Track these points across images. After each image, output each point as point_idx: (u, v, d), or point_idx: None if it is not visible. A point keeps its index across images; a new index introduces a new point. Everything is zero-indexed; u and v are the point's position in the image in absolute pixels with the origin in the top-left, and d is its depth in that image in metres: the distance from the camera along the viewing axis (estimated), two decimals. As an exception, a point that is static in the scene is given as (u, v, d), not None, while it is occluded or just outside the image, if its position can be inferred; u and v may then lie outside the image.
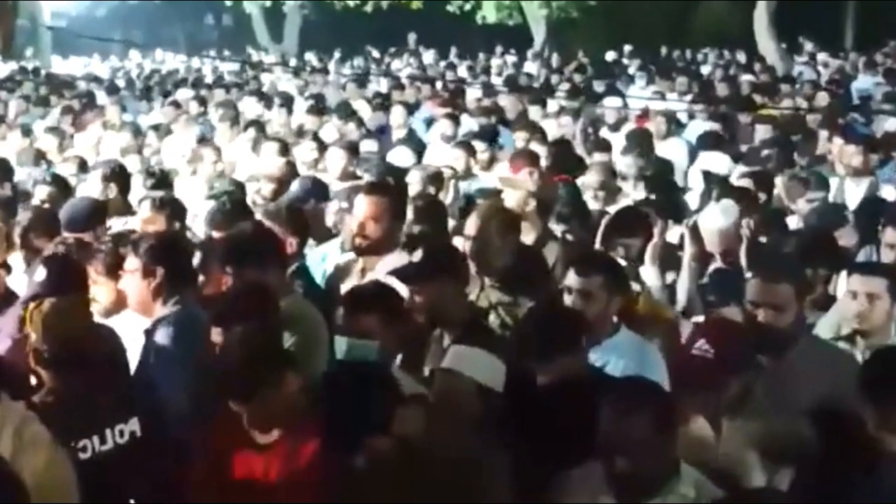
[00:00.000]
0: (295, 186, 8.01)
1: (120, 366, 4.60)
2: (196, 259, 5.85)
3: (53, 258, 5.48)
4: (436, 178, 8.57)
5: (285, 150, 9.96)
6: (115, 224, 7.00)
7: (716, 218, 6.70)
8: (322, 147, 10.04)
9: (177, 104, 15.42)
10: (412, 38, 32.27)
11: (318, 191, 7.89)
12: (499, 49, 28.42)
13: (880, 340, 5.02)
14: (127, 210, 7.59)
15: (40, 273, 5.27)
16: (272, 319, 4.83)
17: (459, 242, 6.45)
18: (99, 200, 7.33)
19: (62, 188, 8.02)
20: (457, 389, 4.47)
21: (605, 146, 10.58)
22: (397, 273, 5.32)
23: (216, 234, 6.41)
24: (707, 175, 9.49)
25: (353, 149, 9.82)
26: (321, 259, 6.56)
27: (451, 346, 4.65)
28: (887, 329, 5.10)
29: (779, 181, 8.46)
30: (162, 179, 8.82)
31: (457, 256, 5.72)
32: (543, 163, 9.14)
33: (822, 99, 14.60)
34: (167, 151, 11.44)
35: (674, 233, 6.91)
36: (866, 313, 5.08)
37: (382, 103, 15.29)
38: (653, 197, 7.88)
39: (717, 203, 7.02)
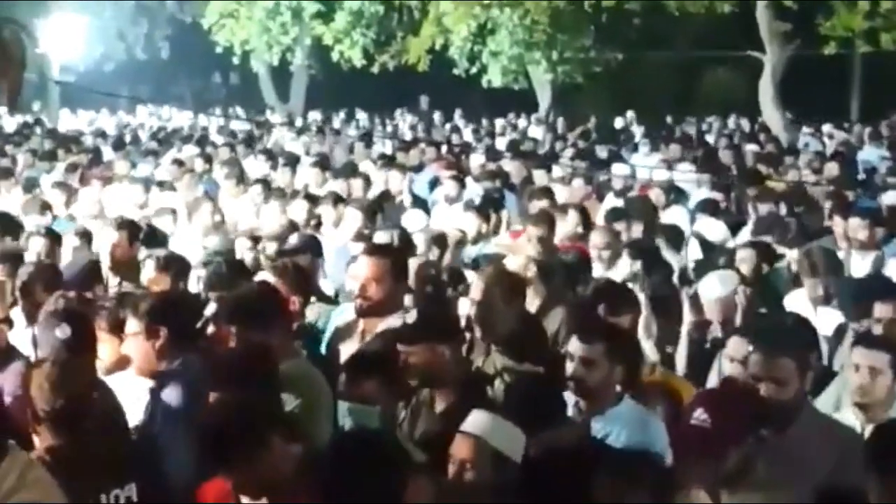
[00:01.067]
0: (292, 242, 8.15)
1: (119, 428, 4.58)
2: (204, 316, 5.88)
3: (74, 315, 5.40)
4: (440, 241, 8.60)
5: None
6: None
7: (714, 287, 6.73)
8: (315, 204, 10.17)
9: (180, 162, 15.48)
10: (424, 100, 32.49)
11: (314, 247, 8.02)
12: (510, 115, 28.57)
13: (881, 415, 5.03)
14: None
15: (63, 330, 5.19)
16: (269, 383, 4.75)
17: (463, 305, 6.50)
18: (95, 260, 7.45)
19: (55, 241, 8.04)
20: (476, 456, 4.44)
21: (621, 216, 10.55)
22: (392, 333, 5.38)
23: (210, 295, 6.38)
24: (703, 243, 9.53)
25: (368, 208, 9.93)
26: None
27: (475, 411, 4.61)
28: (889, 403, 5.10)
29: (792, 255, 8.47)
30: (151, 235, 8.86)
31: (451, 320, 5.83)
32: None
33: (830, 170, 14.59)
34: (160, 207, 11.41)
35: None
36: (868, 387, 5.08)
37: (387, 164, 15.35)
38: (636, 266, 7.77)
39: (716, 272, 7.06)
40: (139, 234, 8.13)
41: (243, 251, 8.38)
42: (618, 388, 5.27)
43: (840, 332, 6.87)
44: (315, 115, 29.93)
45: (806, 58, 24.49)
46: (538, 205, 10.78)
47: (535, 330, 6.16)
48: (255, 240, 8.63)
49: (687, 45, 31.89)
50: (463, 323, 6.34)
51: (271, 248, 8.51)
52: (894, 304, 5.86)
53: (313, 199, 10.74)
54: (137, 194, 12.03)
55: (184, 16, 35.04)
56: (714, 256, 8.98)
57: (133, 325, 5.24)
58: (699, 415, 4.35)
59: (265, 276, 6.41)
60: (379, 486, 3.92)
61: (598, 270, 8.34)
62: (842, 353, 6.51)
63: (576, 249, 9.01)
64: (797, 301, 7.65)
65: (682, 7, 25.08)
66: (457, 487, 4.41)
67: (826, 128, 23.66)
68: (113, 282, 7.37)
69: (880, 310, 5.87)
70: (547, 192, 11.56)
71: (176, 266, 6.95)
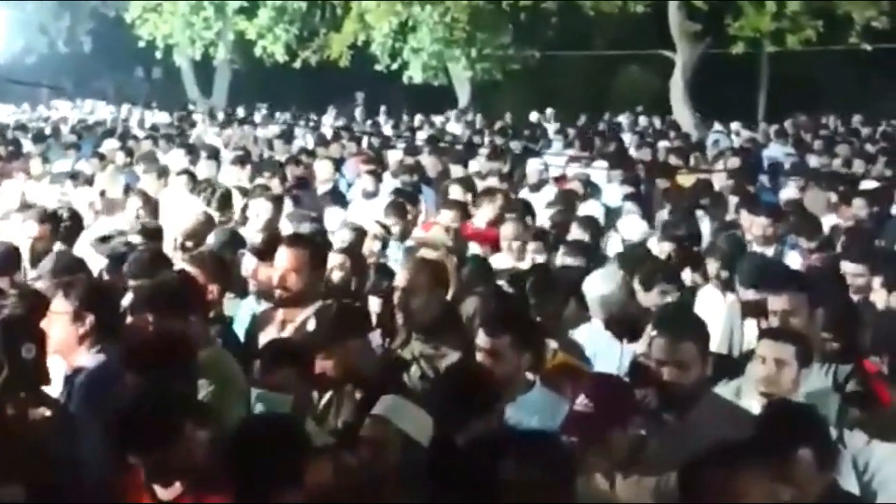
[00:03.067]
0: (212, 238, 8.11)
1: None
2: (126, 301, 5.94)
3: None
4: (361, 236, 8.76)
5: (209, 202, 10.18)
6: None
7: (596, 285, 6.74)
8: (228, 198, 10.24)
9: (101, 155, 15.48)
10: (360, 96, 32.53)
11: (235, 241, 8.03)
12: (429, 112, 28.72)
13: None
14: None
15: None
16: (185, 369, 4.74)
17: (375, 302, 6.67)
18: (15, 246, 7.30)
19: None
20: (384, 437, 4.52)
21: (527, 209, 10.82)
22: (307, 341, 5.47)
23: (133, 283, 6.37)
24: (623, 240, 9.79)
25: (276, 201, 10.04)
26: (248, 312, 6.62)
27: (385, 396, 4.70)
28: (793, 393, 5.16)
29: None
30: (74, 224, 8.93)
31: (361, 315, 5.94)
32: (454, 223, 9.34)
33: (733, 163, 14.86)
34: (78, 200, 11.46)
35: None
36: (774, 378, 5.15)
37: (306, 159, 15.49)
38: (570, 260, 7.96)
39: (599, 270, 7.11)
40: (60, 227, 8.07)
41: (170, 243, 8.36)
42: (528, 375, 5.38)
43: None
44: (237, 111, 29.87)
45: (715, 57, 24.93)
46: (455, 193, 10.97)
47: (453, 317, 6.19)
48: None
49: (602, 45, 32.16)
50: (374, 319, 6.50)
51: (189, 241, 8.63)
52: (787, 296, 5.88)
53: (244, 193, 10.81)
54: (56, 189, 12.08)
55: (107, 10, 34.63)
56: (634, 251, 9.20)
57: (61, 304, 5.15)
58: (582, 400, 4.48)
59: (183, 265, 6.39)
60: (277, 464, 3.97)
61: (507, 261, 8.47)
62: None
63: (486, 237, 9.31)
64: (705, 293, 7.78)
65: (598, 7, 25.43)
66: (364, 468, 4.48)
67: (734, 125, 24.07)
68: (31, 275, 7.20)
69: (774, 302, 5.90)
70: (465, 182, 11.75)
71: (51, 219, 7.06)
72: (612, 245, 9.96)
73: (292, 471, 4.00)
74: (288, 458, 4.01)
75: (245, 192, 11.04)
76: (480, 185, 12.44)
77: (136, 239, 8.22)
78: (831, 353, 5.78)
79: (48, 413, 4.61)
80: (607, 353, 6.37)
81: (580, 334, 6.76)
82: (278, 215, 9.52)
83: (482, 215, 9.87)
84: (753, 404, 5.20)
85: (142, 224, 8.92)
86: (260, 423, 4.42)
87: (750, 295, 6.86)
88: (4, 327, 4.76)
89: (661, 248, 8.60)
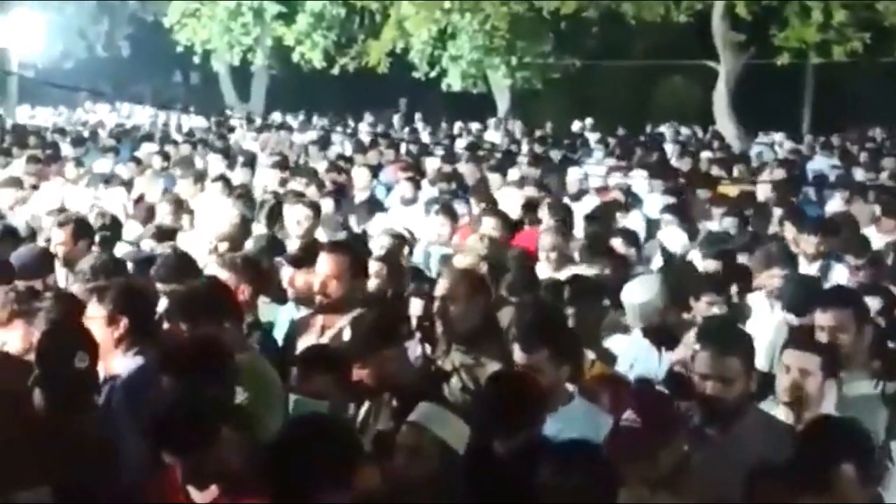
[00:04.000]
0: (251, 243, 8.07)
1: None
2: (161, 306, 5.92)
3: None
4: (401, 243, 8.65)
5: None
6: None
7: (635, 293, 6.69)
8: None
9: (138, 160, 15.49)
10: (403, 102, 32.53)
11: (274, 247, 7.99)
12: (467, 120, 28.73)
13: (810, 414, 4.99)
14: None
15: None
16: (222, 372, 4.74)
17: (417, 304, 6.52)
18: (48, 249, 7.37)
19: (13, 239, 8.03)
20: (420, 444, 4.50)
21: (566, 211, 10.73)
22: (343, 348, 5.42)
23: (161, 288, 6.36)
24: (664, 251, 9.65)
25: (315, 208, 9.95)
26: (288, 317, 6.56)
27: (421, 403, 4.67)
28: (818, 403, 5.11)
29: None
30: (113, 228, 8.89)
31: (398, 323, 5.85)
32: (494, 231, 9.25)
33: (777, 175, 14.75)
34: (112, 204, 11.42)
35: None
36: (797, 388, 5.09)
37: (344, 165, 15.46)
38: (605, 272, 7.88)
39: (639, 278, 7.06)
40: (86, 230, 7.98)
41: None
42: (569, 386, 5.33)
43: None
44: (274, 116, 29.95)
45: (759, 68, 24.79)
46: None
47: (493, 327, 6.14)
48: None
49: (643, 54, 32.07)
50: (414, 322, 6.43)
51: (223, 246, 8.55)
52: (833, 312, 5.71)
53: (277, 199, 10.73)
54: (91, 193, 12.07)
55: (145, 14, 34.91)
56: (675, 264, 9.08)
57: (95, 308, 5.20)
58: (629, 415, 4.40)
59: (214, 270, 6.33)
60: (330, 466, 3.91)
61: (545, 271, 8.32)
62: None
63: (522, 246, 9.17)
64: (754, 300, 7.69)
65: (639, 16, 25.24)
66: (401, 476, 4.46)
67: (778, 137, 23.88)
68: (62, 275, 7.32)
69: (821, 318, 5.75)
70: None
71: (75, 224, 7.05)
72: (653, 255, 9.88)
73: (343, 472, 3.94)
74: (340, 457, 3.95)
75: (277, 198, 10.94)
76: (516, 195, 12.35)
77: (151, 243, 8.21)
78: (881, 369, 5.67)
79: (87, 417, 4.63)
80: (646, 363, 6.31)
81: (618, 344, 6.71)
82: (317, 222, 9.43)
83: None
84: (780, 414, 5.14)
85: (156, 226, 8.85)
86: (310, 420, 4.35)
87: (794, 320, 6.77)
88: (54, 336, 4.80)
89: (705, 266, 8.42)
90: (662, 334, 6.40)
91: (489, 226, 9.28)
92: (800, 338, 5.39)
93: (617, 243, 9.19)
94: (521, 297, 7.26)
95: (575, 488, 3.87)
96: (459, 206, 10.94)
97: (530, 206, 10.83)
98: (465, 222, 10.22)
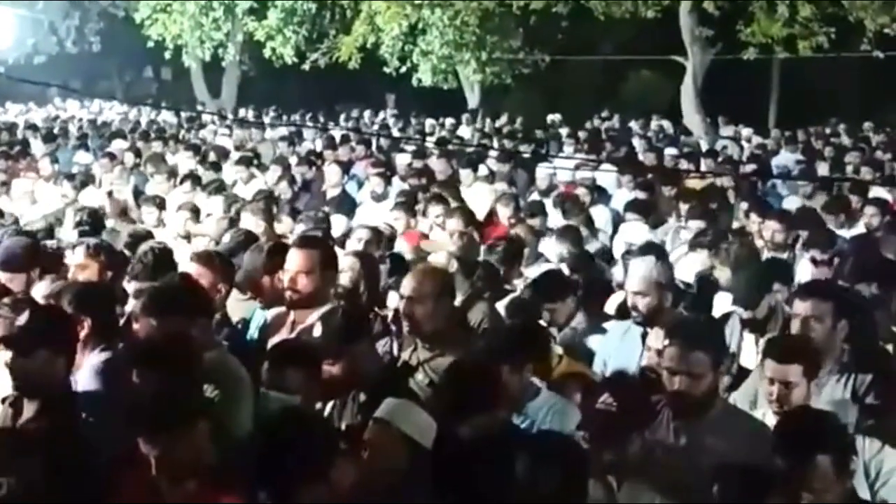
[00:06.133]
0: (227, 238, 8.11)
1: None
2: (129, 306, 5.93)
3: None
4: (377, 237, 8.71)
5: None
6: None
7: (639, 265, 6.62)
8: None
9: (112, 155, 15.50)
10: (391, 98, 32.42)
11: (249, 242, 7.87)
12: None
13: None
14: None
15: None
16: (193, 367, 4.76)
17: (395, 298, 6.61)
18: (36, 242, 7.24)
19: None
20: (386, 440, 4.57)
21: (540, 209, 10.85)
22: (316, 345, 5.45)
23: (135, 286, 6.32)
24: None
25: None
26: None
27: (388, 399, 4.72)
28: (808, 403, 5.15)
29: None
30: (94, 224, 8.90)
31: (367, 318, 5.95)
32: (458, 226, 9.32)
33: (742, 170, 14.92)
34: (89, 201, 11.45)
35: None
36: (784, 398, 5.13)
37: (314, 161, 15.53)
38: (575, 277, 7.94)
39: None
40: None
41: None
42: (534, 380, 5.43)
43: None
44: (244, 111, 29.91)
45: (726, 63, 24.84)
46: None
47: (460, 325, 6.19)
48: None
49: (612, 49, 32.16)
50: (391, 315, 6.55)
51: (202, 242, 8.62)
52: (812, 302, 5.78)
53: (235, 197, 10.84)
54: (66, 189, 12.10)
55: (116, 10, 34.62)
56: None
57: None
58: (605, 398, 4.61)
59: (188, 266, 6.33)
60: (308, 459, 3.98)
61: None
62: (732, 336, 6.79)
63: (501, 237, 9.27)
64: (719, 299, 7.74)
65: (608, 12, 25.32)
66: (368, 471, 4.50)
67: (745, 132, 24.00)
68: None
69: (799, 306, 5.81)
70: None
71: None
72: (618, 250, 9.98)
73: (321, 465, 4.01)
74: (318, 452, 4.02)
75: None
76: (486, 190, 12.46)
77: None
78: (850, 363, 5.71)
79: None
80: (623, 358, 6.32)
81: (594, 340, 6.76)
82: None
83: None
84: (768, 413, 5.21)
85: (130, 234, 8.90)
86: (289, 413, 4.43)
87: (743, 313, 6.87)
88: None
89: (690, 259, 8.51)
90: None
91: (454, 225, 9.36)
92: (778, 349, 5.34)
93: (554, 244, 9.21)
94: (493, 293, 7.37)
95: (545, 479, 3.94)
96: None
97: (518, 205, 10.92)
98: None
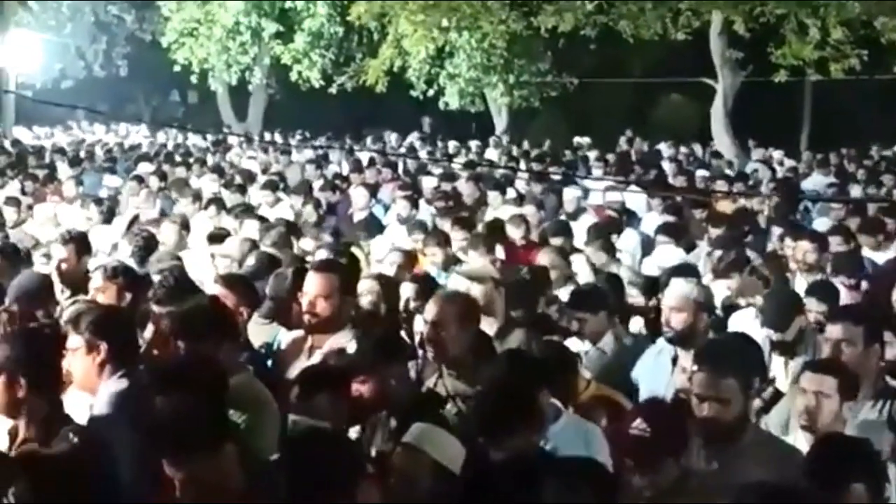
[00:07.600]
0: (251, 261, 8.05)
1: None
2: (148, 331, 5.86)
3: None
4: (410, 260, 8.64)
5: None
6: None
7: (679, 284, 6.51)
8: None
9: (139, 178, 15.49)
10: (426, 122, 32.44)
11: (273, 266, 7.82)
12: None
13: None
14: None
15: None
16: (219, 390, 4.73)
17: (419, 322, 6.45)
18: (49, 276, 7.24)
19: (12, 258, 8.02)
20: (415, 466, 4.50)
21: (565, 230, 10.70)
22: (345, 366, 5.38)
23: (158, 310, 6.20)
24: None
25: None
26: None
27: (416, 424, 4.66)
28: (836, 426, 5.12)
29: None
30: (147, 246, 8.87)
31: (396, 341, 5.85)
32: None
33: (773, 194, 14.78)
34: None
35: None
36: (815, 411, 5.12)
37: (340, 185, 15.48)
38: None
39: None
40: (87, 247, 7.97)
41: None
42: (557, 403, 5.31)
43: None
44: (271, 135, 29.96)
45: (757, 85, 24.79)
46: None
47: (488, 353, 5.99)
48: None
49: (641, 72, 32.12)
50: (417, 339, 6.42)
51: (224, 263, 8.53)
52: (843, 325, 5.73)
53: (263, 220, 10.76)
54: (91, 211, 12.07)
55: (143, 34, 34.95)
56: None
57: (74, 340, 5.07)
58: (638, 424, 4.44)
59: (214, 289, 6.30)
60: (334, 480, 3.93)
61: None
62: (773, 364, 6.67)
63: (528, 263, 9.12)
64: (742, 319, 7.65)
65: (637, 34, 25.23)
66: (397, 497, 4.44)
67: (776, 154, 23.84)
68: (64, 296, 7.16)
69: (832, 330, 5.79)
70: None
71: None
72: (648, 273, 9.72)
73: (346, 486, 3.96)
74: (343, 469, 3.99)
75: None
76: (519, 212, 12.33)
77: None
78: (886, 389, 5.63)
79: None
80: (654, 379, 6.27)
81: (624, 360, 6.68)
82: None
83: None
84: (800, 437, 5.16)
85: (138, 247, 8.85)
86: (313, 433, 4.43)
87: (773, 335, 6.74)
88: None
89: (716, 287, 8.36)
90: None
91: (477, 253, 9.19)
92: (815, 362, 5.35)
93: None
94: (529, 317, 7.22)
95: (573, 500, 3.88)
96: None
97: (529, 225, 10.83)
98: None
